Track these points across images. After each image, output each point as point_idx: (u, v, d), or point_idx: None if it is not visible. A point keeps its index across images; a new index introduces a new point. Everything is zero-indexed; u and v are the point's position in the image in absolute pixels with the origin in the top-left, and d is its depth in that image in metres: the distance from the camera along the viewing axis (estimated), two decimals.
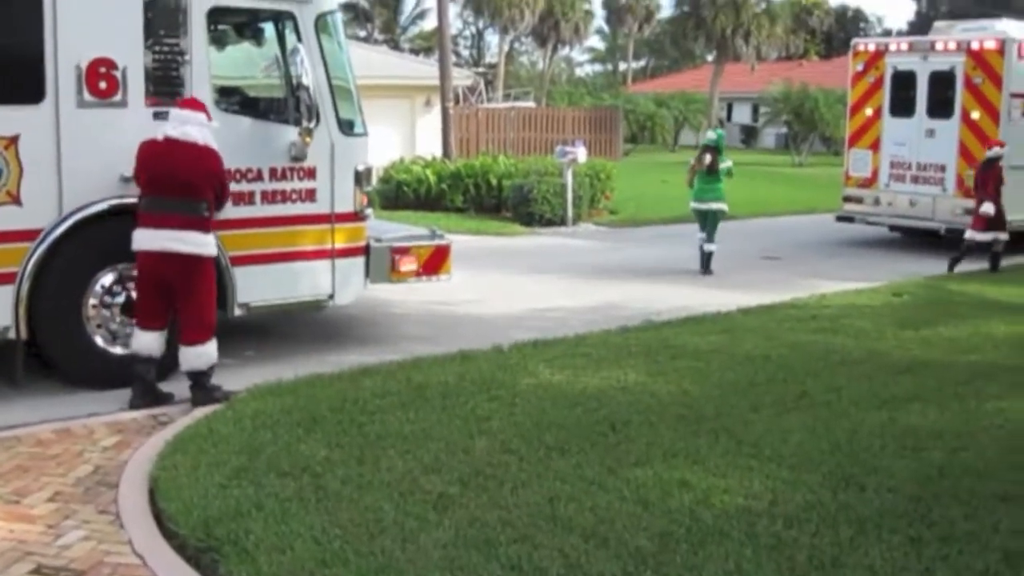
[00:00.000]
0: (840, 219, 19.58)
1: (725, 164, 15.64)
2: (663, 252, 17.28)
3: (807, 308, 12.34)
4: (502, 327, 11.15)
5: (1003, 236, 16.20)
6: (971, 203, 17.31)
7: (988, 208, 15.97)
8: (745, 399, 8.23)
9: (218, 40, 9.83)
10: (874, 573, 5.18)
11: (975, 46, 17.91)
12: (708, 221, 15.57)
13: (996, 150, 16.42)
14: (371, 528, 5.62)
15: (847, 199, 19.48)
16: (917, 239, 19.00)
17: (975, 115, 17.81)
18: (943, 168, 18.10)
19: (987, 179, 16.18)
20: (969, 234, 16.25)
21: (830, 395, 8.38)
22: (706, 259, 15.56)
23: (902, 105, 18.76)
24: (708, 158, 15.51)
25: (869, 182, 19.04)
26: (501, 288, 13.62)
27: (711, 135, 16.39)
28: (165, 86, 8.91)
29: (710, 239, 15.55)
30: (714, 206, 15.52)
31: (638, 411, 7.80)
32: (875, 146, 18.99)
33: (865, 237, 19.58)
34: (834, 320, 11.57)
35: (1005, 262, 16.43)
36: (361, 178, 9.98)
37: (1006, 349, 10.43)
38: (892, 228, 19.49)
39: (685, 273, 15.23)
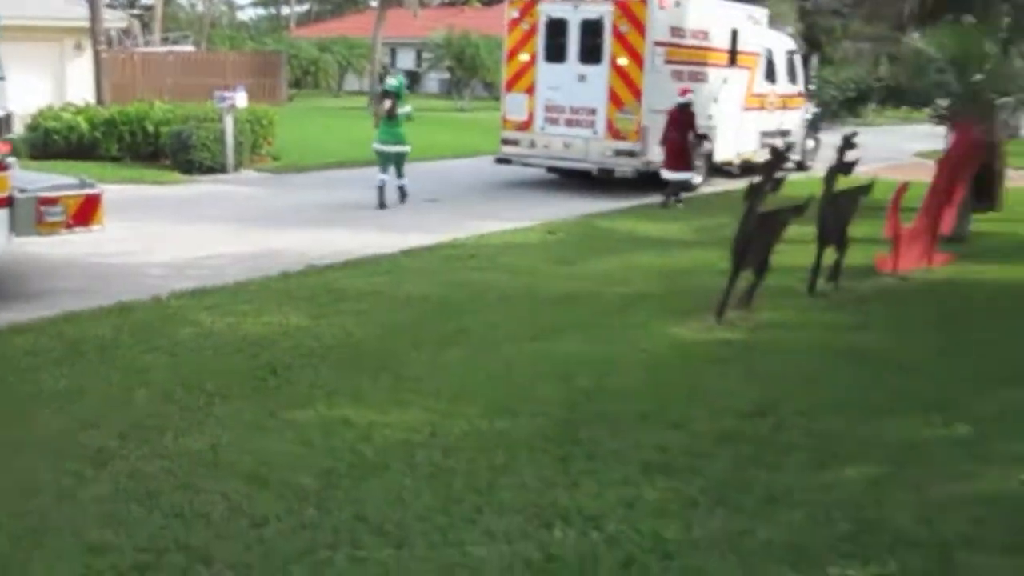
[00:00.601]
0: (499, 161, 20.11)
1: (404, 109, 16.67)
2: (326, 197, 17.24)
3: (466, 248, 12.71)
4: (162, 277, 10.85)
5: (692, 176, 18.30)
6: (621, 144, 18.44)
7: (698, 153, 18.57)
8: (406, 338, 8.44)
9: None
10: (527, 491, 5.48)
11: None
12: (393, 162, 16.46)
13: (689, 96, 18.08)
14: (25, 489, 5.43)
15: (505, 142, 20.01)
16: (572, 179, 19.83)
17: (622, 61, 18.68)
18: (594, 112, 18.90)
19: (678, 122, 17.82)
20: (665, 174, 17.81)
21: (487, 330, 8.72)
22: (400, 193, 16.59)
23: (555, 51, 19.38)
24: (388, 103, 16.50)
25: (526, 125, 19.64)
26: (160, 238, 13.22)
27: (392, 81, 17.37)
28: None
29: (399, 175, 16.55)
30: (395, 148, 16.48)
31: (300, 354, 7.86)
32: (531, 90, 19.58)
33: (523, 178, 20.25)
34: (492, 258, 11.99)
35: (648, 200, 17.56)
36: (0, 125, 9.43)
37: (652, 280, 11.15)
38: (549, 169, 20.22)
39: (348, 217, 15.26)
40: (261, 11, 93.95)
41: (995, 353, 8.64)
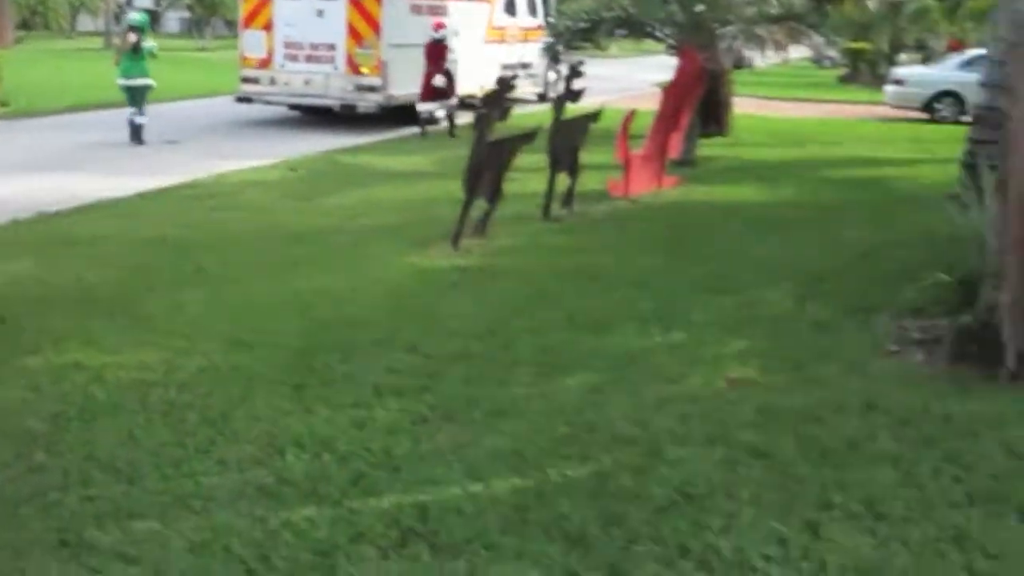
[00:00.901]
0: (240, 100, 19.77)
1: (148, 44, 16.62)
2: (60, 141, 16.56)
3: (205, 188, 12.56)
4: None
5: (452, 102, 18.58)
6: (361, 79, 18.49)
7: (439, 81, 18.30)
8: (141, 280, 8.33)
9: None
10: (261, 420, 5.57)
11: None
12: (136, 96, 16.30)
13: (442, 32, 18.43)
14: None
15: (245, 80, 19.68)
16: (314, 116, 19.73)
17: None
18: (333, 47, 18.82)
19: (435, 56, 18.28)
20: (419, 106, 18.26)
21: (225, 269, 8.71)
22: (136, 131, 16.28)
23: None
24: (133, 38, 16.48)
25: (265, 63, 19.36)
26: None
27: (136, 17, 17.44)
28: None
29: (140, 112, 16.32)
30: (140, 82, 16.33)
31: (29, 302, 7.66)
32: (268, 27, 19.28)
33: (265, 116, 19.98)
34: (232, 197, 11.90)
35: (391, 134, 17.73)
36: None
37: (392, 212, 11.34)
38: (291, 107, 20.06)
39: (84, 161, 14.73)
40: None
41: (712, 267, 9.21)
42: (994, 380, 6.28)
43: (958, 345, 6.58)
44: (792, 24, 16.58)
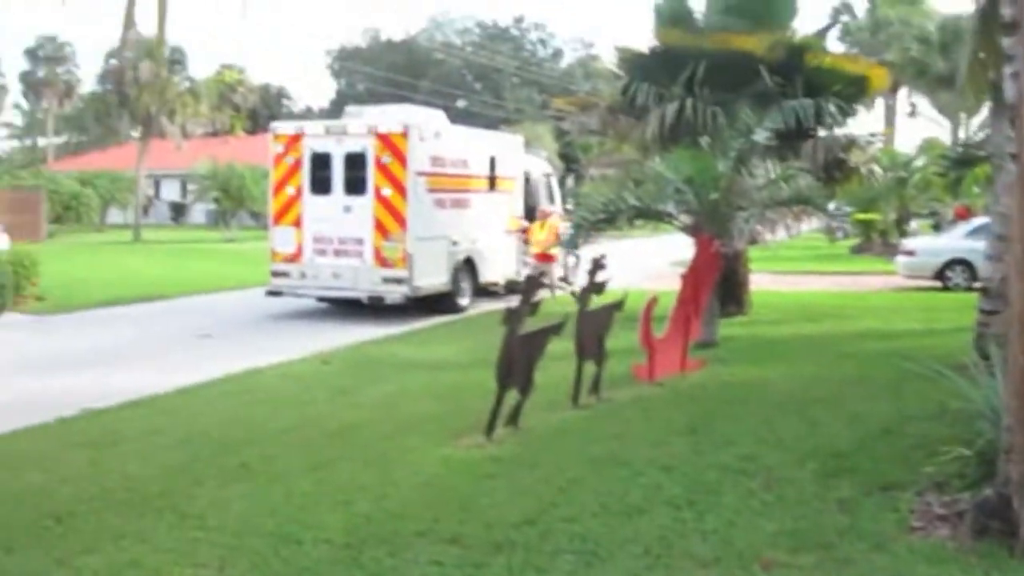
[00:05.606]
0: (270, 293, 20.47)
1: None
2: (98, 337, 17.15)
3: (241, 382, 12.94)
4: None
5: None
6: (388, 272, 19.20)
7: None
8: (188, 476, 8.64)
9: None
10: None
11: (383, 130, 19.59)
12: None
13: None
14: None
15: (275, 274, 20.39)
16: (344, 307, 20.33)
17: (386, 192, 19.45)
18: (361, 241, 19.55)
19: None
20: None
21: (267, 463, 9.01)
22: None
23: (321, 184, 20.04)
24: None
25: (295, 257, 20.06)
26: None
27: None
28: None
29: None
30: None
31: (83, 500, 7.96)
32: (298, 223, 20.07)
33: (295, 309, 20.60)
34: (269, 391, 12.28)
35: (419, 324, 18.26)
36: None
37: (425, 403, 11.65)
38: (320, 299, 20.70)
39: (122, 357, 15.25)
40: (16, 143, 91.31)
41: (737, 449, 9.43)
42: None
43: (980, 520, 6.79)
44: (802, 205, 17.13)
